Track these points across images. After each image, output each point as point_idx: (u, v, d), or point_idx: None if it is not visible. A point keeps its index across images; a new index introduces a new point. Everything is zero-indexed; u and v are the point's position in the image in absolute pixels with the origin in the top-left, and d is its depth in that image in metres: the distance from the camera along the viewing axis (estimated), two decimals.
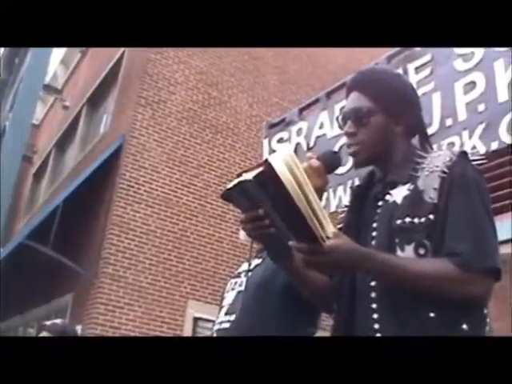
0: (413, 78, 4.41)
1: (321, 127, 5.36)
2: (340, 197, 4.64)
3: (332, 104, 5.25)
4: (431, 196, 1.54)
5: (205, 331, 9.00)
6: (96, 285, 9.34)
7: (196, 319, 9.58)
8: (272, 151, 5.59)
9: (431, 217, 1.51)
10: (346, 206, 1.86)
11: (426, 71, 4.38)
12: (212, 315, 2.72)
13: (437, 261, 1.48)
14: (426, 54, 4.36)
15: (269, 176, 1.34)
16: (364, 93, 1.73)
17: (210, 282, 10.02)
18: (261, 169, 1.36)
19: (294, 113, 6.01)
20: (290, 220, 1.41)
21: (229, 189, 1.49)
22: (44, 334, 3.73)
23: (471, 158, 1.63)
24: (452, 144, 3.91)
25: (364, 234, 1.64)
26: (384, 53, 4.72)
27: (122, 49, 12.08)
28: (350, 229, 1.67)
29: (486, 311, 1.53)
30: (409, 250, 1.51)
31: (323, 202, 4.14)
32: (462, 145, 3.84)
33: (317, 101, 5.76)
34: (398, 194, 1.60)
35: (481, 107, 3.90)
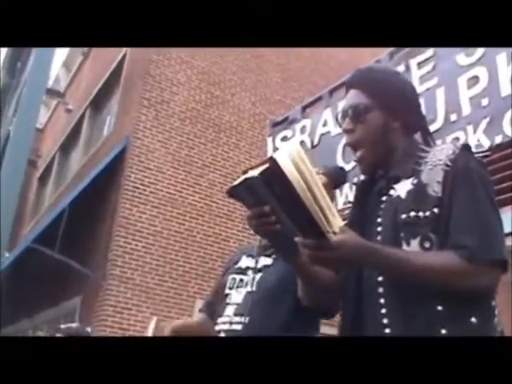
0: (415, 74, 4.42)
1: (324, 125, 5.37)
2: (346, 194, 4.65)
3: (335, 101, 5.26)
4: (435, 189, 1.54)
5: None
6: (104, 287, 9.36)
7: None
8: (276, 149, 5.59)
9: (436, 210, 1.51)
10: (349, 202, 1.87)
11: (429, 66, 4.38)
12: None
13: (443, 254, 1.48)
14: (428, 50, 4.37)
15: (274, 172, 1.33)
16: (362, 90, 1.74)
17: None
18: (266, 165, 1.35)
19: (297, 111, 6.02)
20: (296, 216, 1.41)
21: (234, 186, 1.48)
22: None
23: (474, 151, 1.64)
24: (457, 139, 3.91)
25: (369, 229, 1.64)
26: (386, 49, 4.73)
27: (123, 50, 12.10)
28: (354, 224, 1.67)
29: (493, 303, 1.53)
30: (414, 244, 1.51)
31: None
32: (466, 140, 3.84)
33: (320, 98, 5.77)
34: (402, 189, 1.60)
35: (484, 101, 3.91)
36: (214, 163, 10.89)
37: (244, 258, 2.46)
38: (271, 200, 1.45)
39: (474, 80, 4.01)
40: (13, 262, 10.64)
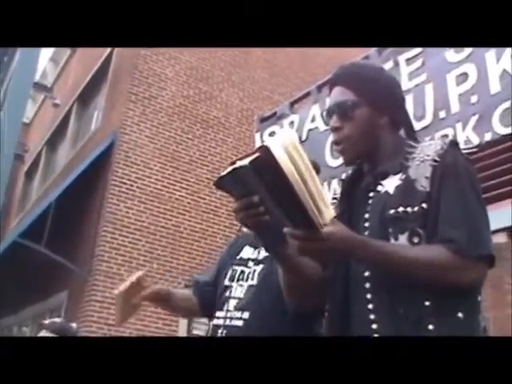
0: (404, 70, 4.43)
1: (313, 120, 5.37)
2: (335, 189, 4.66)
3: (323, 97, 5.26)
4: (423, 185, 1.54)
5: (200, 326, 8.99)
6: (90, 282, 9.33)
7: None
8: None
9: (424, 205, 1.51)
10: (334, 198, 1.85)
11: (418, 63, 4.39)
12: None
13: (431, 247, 1.48)
14: None
15: (266, 161, 1.30)
16: (347, 86, 1.72)
17: None
18: (257, 154, 1.32)
19: (285, 106, 6.02)
20: (286, 206, 1.38)
21: (222, 176, 1.43)
22: (43, 332, 3.72)
23: (462, 147, 1.64)
24: (446, 136, 3.92)
25: (356, 224, 1.62)
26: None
27: None
28: (340, 220, 1.67)
29: (479, 298, 1.54)
30: (403, 239, 1.51)
31: None
32: (455, 136, 3.85)
33: (308, 94, 5.77)
34: (390, 184, 1.60)
35: (473, 99, 3.92)
36: (202, 159, 10.88)
37: (247, 248, 2.39)
38: (261, 190, 1.41)
39: (463, 77, 4.02)
40: None
